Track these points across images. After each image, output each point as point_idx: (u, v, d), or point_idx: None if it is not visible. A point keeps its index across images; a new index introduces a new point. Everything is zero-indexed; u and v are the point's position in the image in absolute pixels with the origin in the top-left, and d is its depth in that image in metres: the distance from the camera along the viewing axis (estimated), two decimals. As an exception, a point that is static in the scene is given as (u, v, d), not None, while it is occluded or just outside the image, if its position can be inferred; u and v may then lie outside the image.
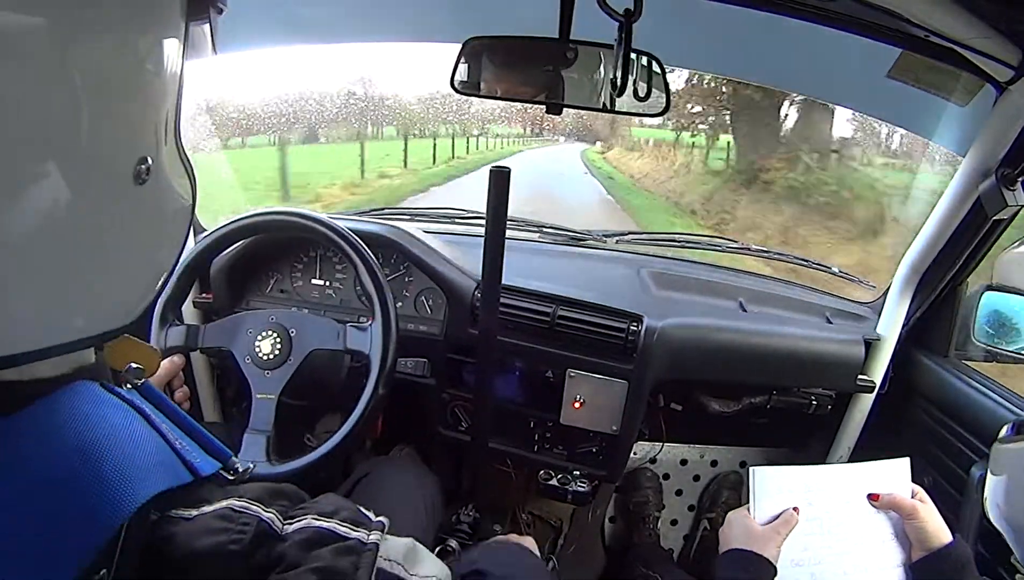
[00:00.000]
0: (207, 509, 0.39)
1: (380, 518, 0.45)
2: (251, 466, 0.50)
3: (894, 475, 0.79)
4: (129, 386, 0.43)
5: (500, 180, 0.84)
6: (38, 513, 0.32)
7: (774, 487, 0.78)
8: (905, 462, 0.80)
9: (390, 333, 0.92)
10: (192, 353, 1.16)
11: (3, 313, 0.31)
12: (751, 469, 0.78)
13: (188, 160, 0.42)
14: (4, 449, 0.33)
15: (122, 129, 0.35)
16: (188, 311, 1.17)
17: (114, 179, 0.35)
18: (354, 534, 0.42)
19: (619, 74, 0.68)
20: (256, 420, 0.90)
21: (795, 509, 0.76)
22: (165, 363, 0.90)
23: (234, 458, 0.48)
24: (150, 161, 0.36)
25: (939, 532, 0.74)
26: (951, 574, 0.72)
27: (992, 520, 0.76)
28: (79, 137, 0.31)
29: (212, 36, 0.42)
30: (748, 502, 0.78)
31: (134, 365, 0.44)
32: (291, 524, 0.41)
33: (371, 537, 0.42)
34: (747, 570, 0.72)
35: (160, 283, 0.42)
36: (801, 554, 0.76)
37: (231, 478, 0.48)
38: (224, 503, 0.40)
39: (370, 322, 0.93)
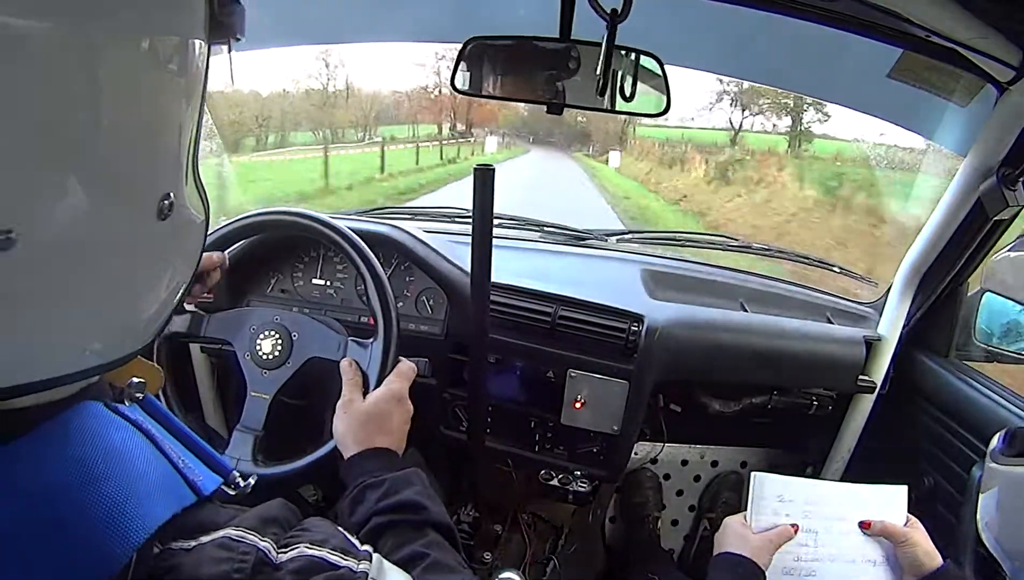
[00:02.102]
0: (205, 539, 0.39)
1: (366, 547, 0.46)
2: (251, 480, 0.51)
3: (891, 501, 0.80)
4: (130, 402, 0.43)
5: (485, 178, 0.84)
6: (45, 544, 0.32)
7: (773, 495, 0.79)
8: (903, 490, 0.81)
9: (389, 354, 0.91)
10: (192, 349, 1.16)
11: (19, 341, 0.31)
12: (752, 474, 0.79)
13: (200, 180, 0.42)
14: (9, 475, 0.33)
15: (147, 159, 0.35)
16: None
17: (138, 218, 0.35)
18: (344, 563, 0.43)
19: (600, 72, 0.68)
20: (247, 418, 0.90)
21: (794, 527, 0.78)
22: (204, 258, 0.83)
23: (235, 472, 0.48)
24: (172, 197, 0.36)
25: (930, 557, 0.76)
26: None
27: (984, 541, 0.76)
28: (104, 162, 0.32)
29: (231, 64, 0.42)
30: (746, 506, 0.79)
31: (135, 380, 0.44)
32: (285, 553, 0.42)
33: (360, 566, 0.43)
34: (737, 574, 0.74)
35: (177, 300, 0.42)
36: (793, 564, 0.78)
37: (232, 493, 0.48)
38: (222, 532, 0.40)
39: (372, 341, 0.92)
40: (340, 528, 0.47)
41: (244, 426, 0.90)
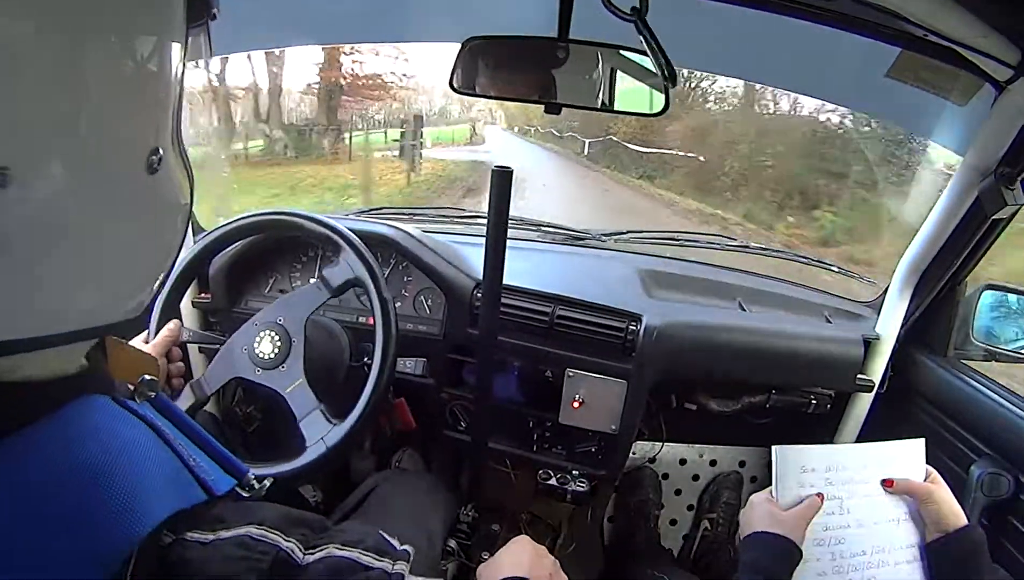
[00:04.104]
0: (224, 535, 0.38)
1: (405, 547, 0.45)
2: (266, 483, 0.50)
3: (909, 456, 0.80)
4: (141, 399, 0.43)
5: (502, 180, 0.84)
6: (49, 533, 0.32)
7: (795, 466, 0.79)
8: (920, 443, 0.81)
9: (359, 250, 0.93)
10: (191, 349, 1.16)
11: (5, 290, 0.31)
12: (774, 448, 0.79)
13: (188, 161, 0.42)
14: (14, 467, 0.32)
15: (131, 126, 0.35)
16: (187, 312, 1.17)
17: (128, 169, 0.35)
18: (378, 564, 0.41)
19: (662, 72, 0.65)
20: (301, 409, 0.90)
21: (819, 496, 0.77)
22: (163, 332, 0.89)
23: (250, 474, 0.47)
24: (161, 152, 0.37)
25: (953, 514, 0.75)
26: (964, 555, 0.73)
27: None
28: (90, 132, 0.32)
29: (209, 40, 0.42)
30: (771, 484, 0.78)
31: (147, 377, 0.43)
32: (312, 554, 0.40)
33: (395, 567, 0.42)
34: (773, 552, 0.73)
35: (158, 282, 0.42)
36: (823, 533, 0.77)
37: (246, 495, 0.47)
38: (243, 530, 0.39)
39: (338, 256, 0.94)
40: (380, 530, 0.46)
41: (304, 414, 0.90)
